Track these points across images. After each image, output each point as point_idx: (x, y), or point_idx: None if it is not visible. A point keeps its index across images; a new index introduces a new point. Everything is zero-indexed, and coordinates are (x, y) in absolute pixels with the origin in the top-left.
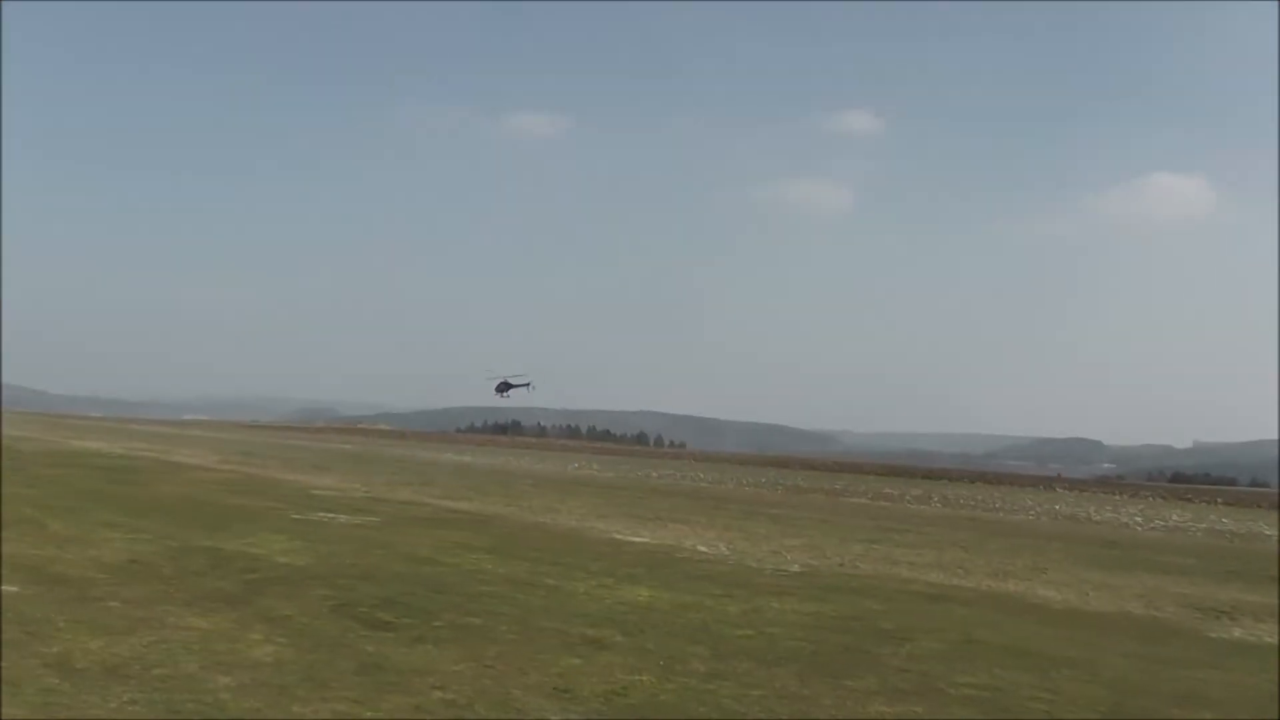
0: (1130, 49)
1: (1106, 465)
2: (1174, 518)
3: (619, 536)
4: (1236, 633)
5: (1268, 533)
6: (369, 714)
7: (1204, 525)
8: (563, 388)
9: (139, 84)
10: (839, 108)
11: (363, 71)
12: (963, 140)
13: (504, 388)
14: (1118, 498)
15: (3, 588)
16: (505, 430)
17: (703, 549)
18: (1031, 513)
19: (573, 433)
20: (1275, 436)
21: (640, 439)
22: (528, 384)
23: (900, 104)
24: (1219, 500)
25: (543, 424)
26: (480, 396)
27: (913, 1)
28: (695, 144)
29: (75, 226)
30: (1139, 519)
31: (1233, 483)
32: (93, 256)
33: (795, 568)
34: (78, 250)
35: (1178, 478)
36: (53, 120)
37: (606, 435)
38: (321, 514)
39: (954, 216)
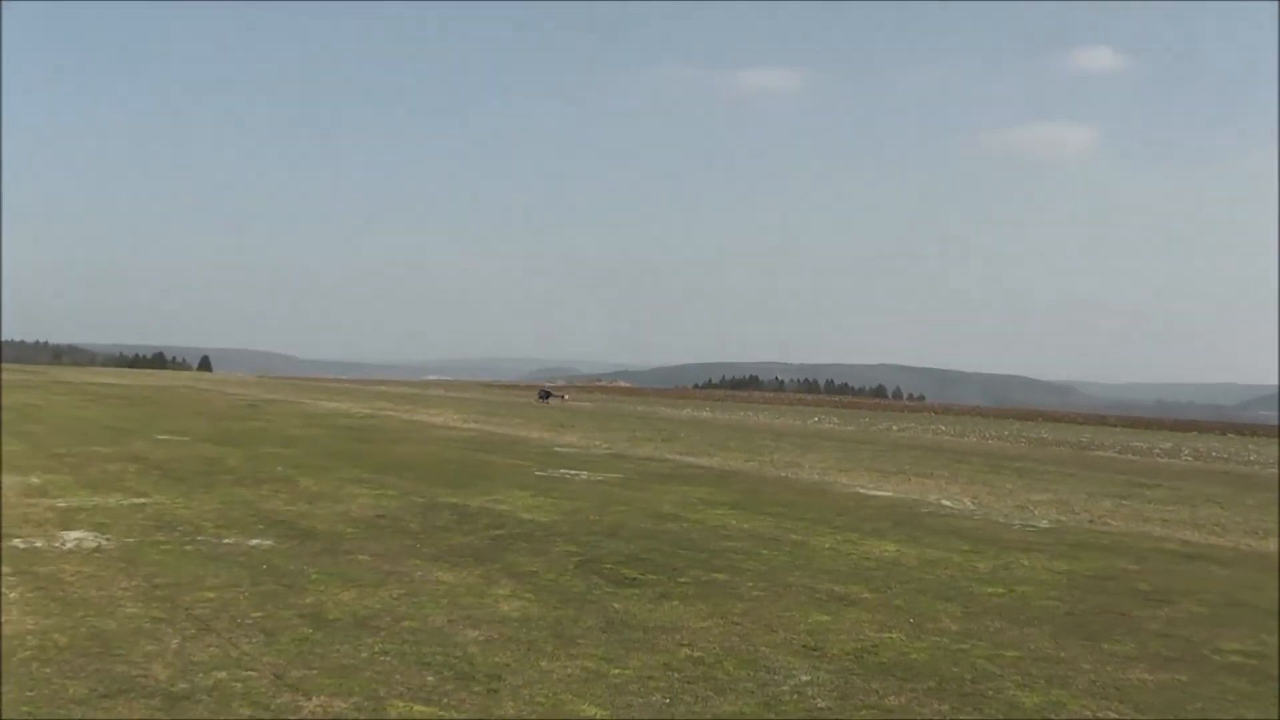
0: None
1: None
2: None
3: (862, 491)
4: None
5: None
6: (616, 671)
7: None
8: (800, 342)
9: (382, 52)
10: (1078, 45)
11: (597, 37)
12: (1215, 69)
13: (544, 395)
14: None
15: (254, 542)
16: (742, 386)
17: (947, 503)
18: None
19: (810, 387)
20: None
21: (879, 392)
22: (563, 395)
23: (1144, 35)
24: None
25: (780, 379)
26: (717, 353)
27: None
28: (931, 91)
29: (323, 198)
30: None
31: None
32: (339, 227)
33: (1043, 523)
34: (325, 221)
35: None
36: (295, 89)
37: (844, 389)
38: (564, 471)
39: (1206, 151)
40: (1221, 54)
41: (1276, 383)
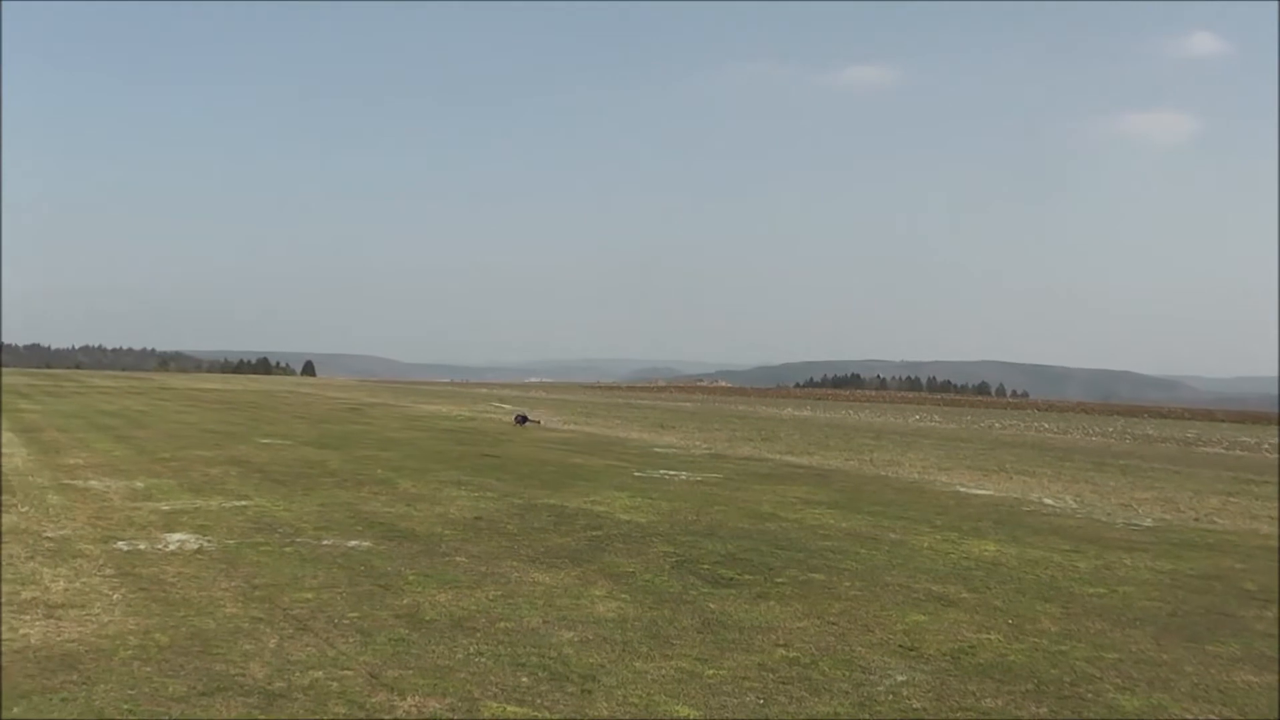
0: None
1: None
2: None
3: (963, 489)
4: None
5: None
6: (711, 671)
7: None
8: (902, 339)
9: (487, 62)
10: (1181, 31)
11: (690, 34)
12: None
13: (521, 420)
14: None
15: (352, 544)
16: (844, 384)
17: (1049, 502)
18: None
19: (912, 385)
20: None
21: (981, 389)
22: (539, 421)
23: (1246, 23)
24: None
25: (882, 376)
26: (819, 352)
27: None
28: (1028, 81)
29: (421, 202)
30: None
31: None
32: (440, 232)
33: (1147, 522)
34: (426, 226)
35: None
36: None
37: (947, 386)
38: (663, 471)
39: None
40: None
41: None
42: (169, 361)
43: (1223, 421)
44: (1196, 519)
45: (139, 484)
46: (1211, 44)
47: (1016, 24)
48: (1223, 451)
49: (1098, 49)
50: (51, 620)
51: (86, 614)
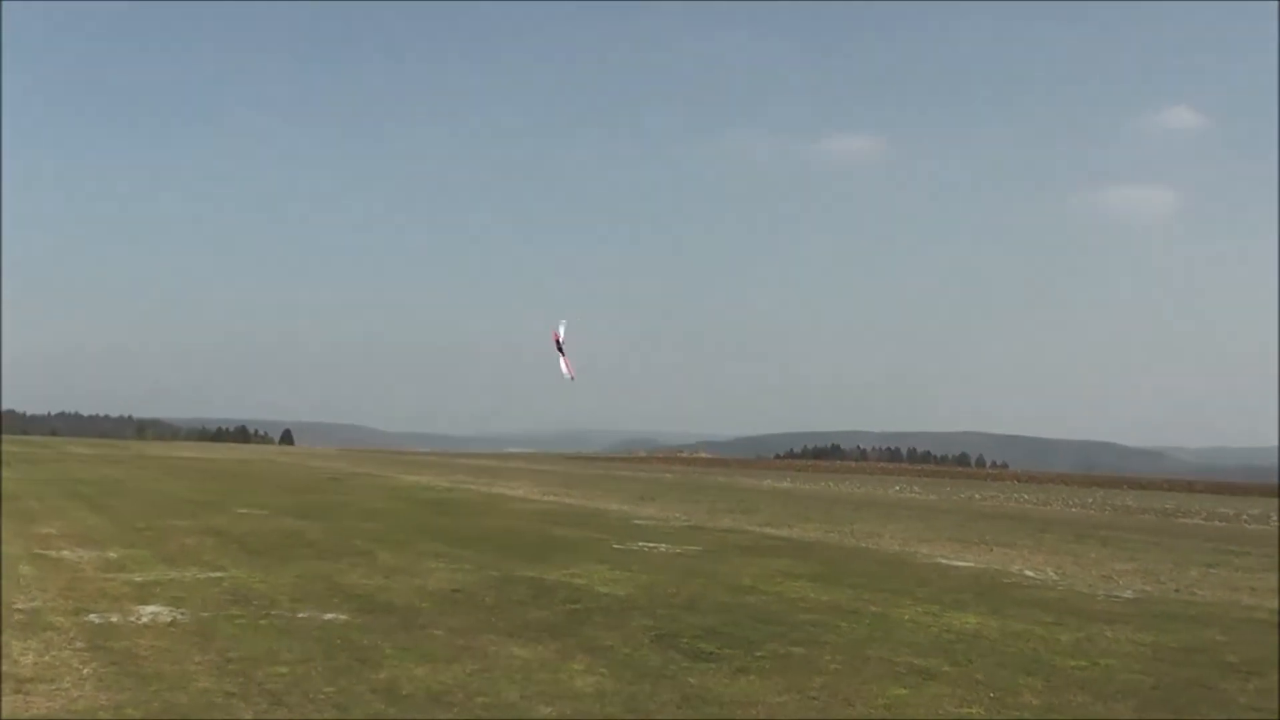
0: None
1: None
2: None
3: (944, 561)
4: None
5: None
6: None
7: None
8: (883, 409)
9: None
10: (1158, 105)
11: (686, 105)
12: None
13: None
14: None
15: (329, 616)
16: (824, 455)
17: (1030, 574)
18: None
19: (893, 455)
20: None
21: (961, 460)
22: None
23: (1224, 97)
24: None
25: (862, 447)
26: (800, 422)
27: None
28: (1010, 153)
29: (401, 270)
30: None
31: None
32: (423, 299)
33: (1128, 594)
34: (409, 291)
35: None
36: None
37: (927, 457)
38: (643, 543)
39: None
40: None
41: None
42: (146, 428)
43: (1201, 492)
44: (1177, 590)
45: (113, 554)
46: (1189, 117)
47: (994, 98)
48: (1201, 522)
49: (1076, 123)
50: (20, 695)
51: (56, 688)
